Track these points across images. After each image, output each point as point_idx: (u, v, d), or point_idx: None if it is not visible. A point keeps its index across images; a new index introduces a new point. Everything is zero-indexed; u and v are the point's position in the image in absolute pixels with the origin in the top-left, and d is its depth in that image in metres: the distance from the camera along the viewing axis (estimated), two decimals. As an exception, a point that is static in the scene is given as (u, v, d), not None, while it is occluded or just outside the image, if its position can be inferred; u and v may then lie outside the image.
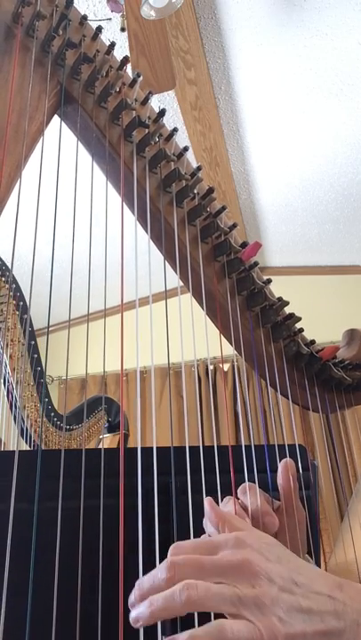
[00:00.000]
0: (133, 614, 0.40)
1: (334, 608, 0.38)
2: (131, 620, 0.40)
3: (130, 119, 0.63)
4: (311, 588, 0.39)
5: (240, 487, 0.57)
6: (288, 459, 0.63)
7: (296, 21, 2.09)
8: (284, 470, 0.60)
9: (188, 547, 0.41)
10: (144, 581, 0.40)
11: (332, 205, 3.22)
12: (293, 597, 0.38)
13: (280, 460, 0.69)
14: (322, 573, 0.41)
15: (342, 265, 3.86)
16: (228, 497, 0.59)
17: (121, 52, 1.89)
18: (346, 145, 2.73)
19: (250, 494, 0.56)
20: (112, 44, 0.63)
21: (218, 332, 0.69)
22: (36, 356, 1.44)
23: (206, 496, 0.60)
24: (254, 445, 0.69)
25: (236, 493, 0.61)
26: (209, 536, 0.49)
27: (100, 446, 1.77)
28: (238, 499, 0.58)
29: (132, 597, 0.41)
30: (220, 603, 0.37)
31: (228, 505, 0.60)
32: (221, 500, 0.63)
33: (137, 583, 0.41)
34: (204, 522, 0.50)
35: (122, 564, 0.44)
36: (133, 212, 0.62)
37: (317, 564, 0.77)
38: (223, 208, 0.69)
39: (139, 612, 0.39)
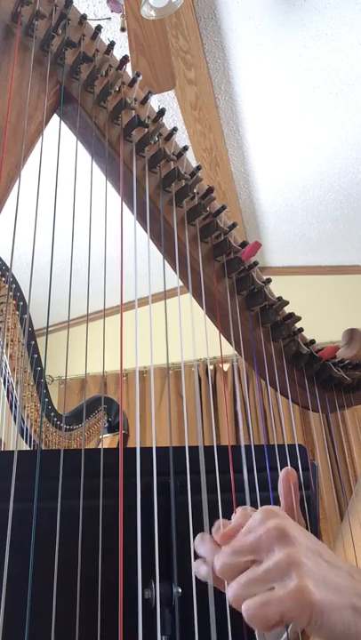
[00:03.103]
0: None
1: (355, 586, 0.39)
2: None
3: (129, 118, 0.63)
4: (334, 563, 0.40)
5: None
6: (289, 467, 0.63)
7: (296, 21, 2.09)
8: (285, 480, 0.59)
9: (234, 548, 0.42)
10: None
11: (333, 205, 3.21)
12: (319, 567, 0.39)
13: (280, 460, 0.69)
14: (338, 556, 0.43)
15: (342, 265, 3.86)
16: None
17: (121, 51, 1.89)
18: (346, 145, 2.73)
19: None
20: (112, 44, 0.63)
21: (218, 331, 0.69)
22: (35, 356, 1.44)
23: (207, 496, 0.60)
24: (254, 445, 0.69)
25: (236, 493, 0.61)
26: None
27: (100, 446, 1.77)
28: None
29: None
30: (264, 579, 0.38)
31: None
32: (221, 499, 0.63)
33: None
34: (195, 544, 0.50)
35: (121, 563, 0.43)
36: (133, 212, 0.62)
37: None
38: (223, 207, 0.69)
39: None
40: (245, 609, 0.38)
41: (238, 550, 0.41)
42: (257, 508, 0.63)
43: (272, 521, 0.41)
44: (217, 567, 0.41)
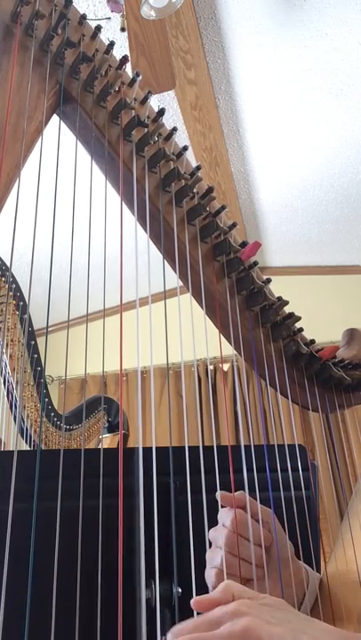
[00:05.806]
0: None
1: None
2: None
3: (129, 118, 0.63)
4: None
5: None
6: (220, 491, 0.61)
7: (296, 21, 2.09)
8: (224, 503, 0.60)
9: (189, 628, 0.40)
10: None
11: (332, 205, 3.21)
12: None
13: (280, 460, 0.69)
14: (326, 629, 0.41)
15: (342, 265, 3.86)
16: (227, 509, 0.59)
17: (121, 51, 1.89)
18: (346, 145, 2.73)
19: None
20: (111, 44, 0.63)
21: (218, 331, 0.69)
22: (35, 355, 1.44)
23: (207, 495, 0.60)
24: (254, 445, 0.69)
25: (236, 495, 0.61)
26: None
27: (100, 446, 1.77)
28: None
29: None
30: None
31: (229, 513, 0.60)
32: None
33: None
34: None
35: (121, 563, 0.43)
36: (133, 212, 0.62)
37: (317, 564, 0.77)
38: (223, 207, 0.69)
39: None
40: None
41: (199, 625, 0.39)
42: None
43: (240, 621, 0.38)
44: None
